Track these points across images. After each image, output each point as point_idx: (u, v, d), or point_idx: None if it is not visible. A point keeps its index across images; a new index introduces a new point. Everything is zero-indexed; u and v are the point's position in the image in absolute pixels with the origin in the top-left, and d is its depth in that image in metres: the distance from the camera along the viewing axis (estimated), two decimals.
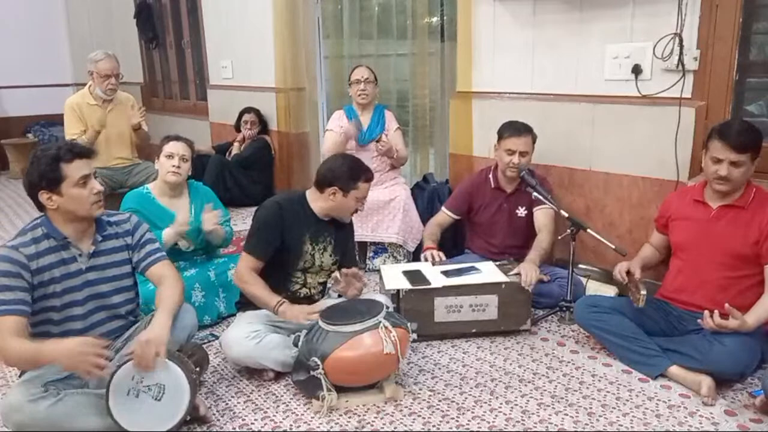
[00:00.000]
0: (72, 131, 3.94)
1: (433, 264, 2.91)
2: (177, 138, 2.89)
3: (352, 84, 3.62)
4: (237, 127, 5.13)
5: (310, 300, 2.52)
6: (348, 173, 2.39)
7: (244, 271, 2.37)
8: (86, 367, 1.76)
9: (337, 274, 2.43)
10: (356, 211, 2.50)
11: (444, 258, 2.97)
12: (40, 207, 1.97)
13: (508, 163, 2.94)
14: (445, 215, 3.18)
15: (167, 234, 2.71)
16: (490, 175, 3.09)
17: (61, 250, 1.98)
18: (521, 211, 3.05)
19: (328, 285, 2.70)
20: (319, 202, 2.45)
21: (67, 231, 1.98)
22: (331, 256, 2.52)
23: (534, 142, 2.98)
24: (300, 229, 2.41)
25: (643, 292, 2.35)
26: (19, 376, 2.05)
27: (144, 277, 2.18)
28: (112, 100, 4.04)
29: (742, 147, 2.20)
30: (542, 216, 2.97)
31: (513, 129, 2.94)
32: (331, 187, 2.39)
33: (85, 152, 1.98)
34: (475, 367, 2.46)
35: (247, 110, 5.07)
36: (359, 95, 3.59)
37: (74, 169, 1.93)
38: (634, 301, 2.40)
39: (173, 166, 2.80)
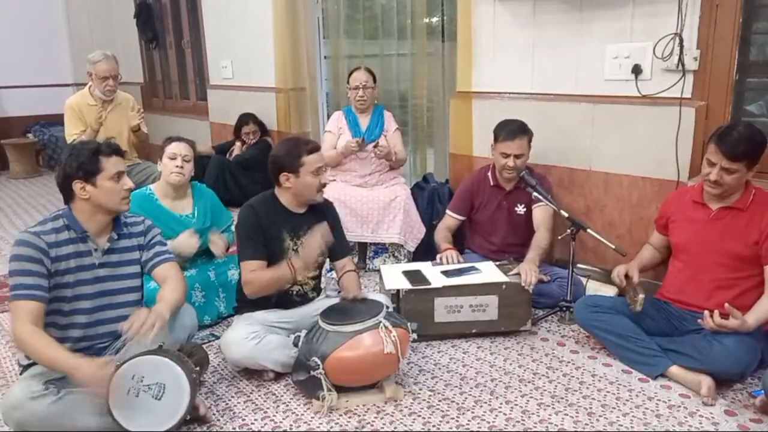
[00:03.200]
0: (72, 131, 3.93)
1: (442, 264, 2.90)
2: (179, 139, 2.89)
3: (351, 89, 3.60)
4: (236, 135, 5.12)
5: (303, 298, 2.51)
6: (287, 154, 2.36)
7: (248, 275, 2.32)
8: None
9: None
10: (324, 185, 2.45)
11: (461, 260, 2.93)
12: (69, 198, 2.04)
13: (504, 165, 2.94)
14: (451, 218, 3.17)
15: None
16: (489, 173, 3.09)
17: (79, 242, 2.03)
18: (520, 209, 3.05)
19: (323, 284, 2.69)
20: (283, 195, 2.44)
21: (88, 225, 2.04)
22: (314, 260, 2.46)
23: (530, 141, 2.96)
24: (277, 227, 2.39)
25: (641, 295, 2.34)
26: (20, 374, 2.05)
27: (150, 276, 2.19)
28: (112, 101, 4.04)
29: (736, 156, 2.19)
30: (540, 213, 2.97)
31: (507, 132, 2.92)
32: (281, 174, 2.37)
33: (121, 151, 2.11)
34: (475, 367, 2.46)
35: (246, 121, 5.03)
36: (357, 101, 3.58)
37: (111, 164, 2.03)
38: (632, 304, 2.38)
39: (176, 167, 2.80)
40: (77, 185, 2.00)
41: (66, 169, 2.01)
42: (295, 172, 2.36)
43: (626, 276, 2.45)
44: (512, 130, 2.92)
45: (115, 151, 2.07)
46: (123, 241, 2.14)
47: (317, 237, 2.30)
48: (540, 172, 3.06)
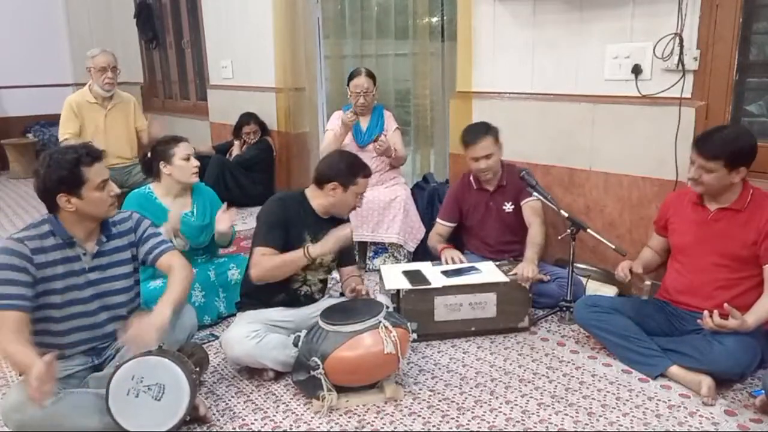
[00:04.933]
0: (66, 130, 3.95)
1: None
2: (182, 139, 2.90)
3: (352, 93, 3.59)
4: (236, 134, 5.11)
5: (309, 299, 2.52)
6: (348, 169, 2.41)
7: (258, 258, 2.31)
8: (31, 394, 1.71)
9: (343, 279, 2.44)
10: (354, 207, 2.51)
11: (464, 260, 2.93)
12: (54, 209, 1.97)
13: (476, 170, 2.96)
14: (441, 226, 3.18)
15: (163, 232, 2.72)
16: (471, 178, 3.10)
17: (66, 247, 1.99)
18: (508, 207, 3.05)
19: (329, 284, 2.70)
20: (318, 199, 2.45)
21: (75, 231, 1.99)
22: (330, 253, 2.52)
23: (497, 138, 2.95)
24: (300, 226, 2.42)
25: (647, 282, 2.36)
26: (19, 375, 2.05)
27: (149, 269, 2.17)
28: (112, 98, 4.04)
29: (709, 155, 2.21)
30: (529, 209, 2.97)
31: (469, 137, 2.95)
32: (331, 182, 2.40)
33: (100, 155, 1.99)
34: (475, 367, 2.46)
35: (246, 121, 5.02)
36: (359, 107, 3.56)
37: (94, 173, 1.95)
38: (639, 292, 2.39)
39: (195, 167, 2.85)
40: (62, 199, 1.92)
41: (46, 182, 1.91)
42: (345, 188, 2.40)
43: (630, 270, 2.46)
44: (474, 133, 2.95)
45: (97, 158, 1.96)
46: (113, 242, 2.09)
47: (346, 231, 2.32)
48: (518, 166, 3.03)
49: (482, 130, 2.95)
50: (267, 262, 2.30)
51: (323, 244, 2.32)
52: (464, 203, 3.13)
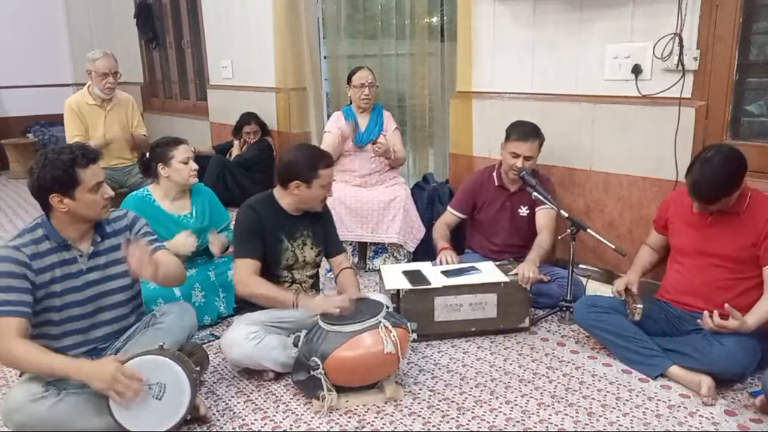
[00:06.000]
0: (73, 132, 3.94)
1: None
2: (182, 141, 2.90)
3: (354, 87, 3.59)
4: (236, 134, 5.11)
5: None
6: (306, 164, 2.36)
7: (245, 276, 2.34)
8: (123, 391, 1.80)
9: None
10: (325, 199, 2.48)
11: (456, 262, 2.92)
12: (47, 208, 1.96)
13: (512, 165, 2.94)
14: (451, 215, 3.17)
15: (180, 236, 2.76)
16: (494, 173, 3.09)
17: (62, 250, 1.98)
18: (523, 211, 3.05)
19: (321, 284, 2.69)
20: (286, 198, 2.44)
21: (68, 233, 1.98)
22: (312, 248, 2.52)
23: (541, 145, 2.96)
24: (275, 229, 2.41)
25: (640, 306, 2.34)
26: (20, 375, 2.05)
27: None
28: (111, 100, 4.04)
29: (712, 200, 2.22)
30: (544, 216, 2.96)
31: (519, 133, 2.93)
32: (293, 181, 2.37)
33: (96, 156, 1.99)
34: (475, 367, 2.46)
35: (247, 120, 5.01)
36: (363, 100, 3.57)
37: (89, 175, 1.93)
38: (630, 314, 2.38)
39: (193, 170, 2.86)
40: (54, 199, 1.90)
41: (40, 181, 1.89)
42: (308, 183, 2.37)
43: (626, 289, 2.44)
44: (525, 131, 2.93)
45: (93, 159, 1.95)
46: (108, 241, 2.09)
47: (336, 304, 2.23)
48: (544, 174, 3.06)
49: (534, 132, 2.93)
50: (255, 288, 2.32)
51: (314, 304, 2.28)
52: (480, 197, 3.11)
